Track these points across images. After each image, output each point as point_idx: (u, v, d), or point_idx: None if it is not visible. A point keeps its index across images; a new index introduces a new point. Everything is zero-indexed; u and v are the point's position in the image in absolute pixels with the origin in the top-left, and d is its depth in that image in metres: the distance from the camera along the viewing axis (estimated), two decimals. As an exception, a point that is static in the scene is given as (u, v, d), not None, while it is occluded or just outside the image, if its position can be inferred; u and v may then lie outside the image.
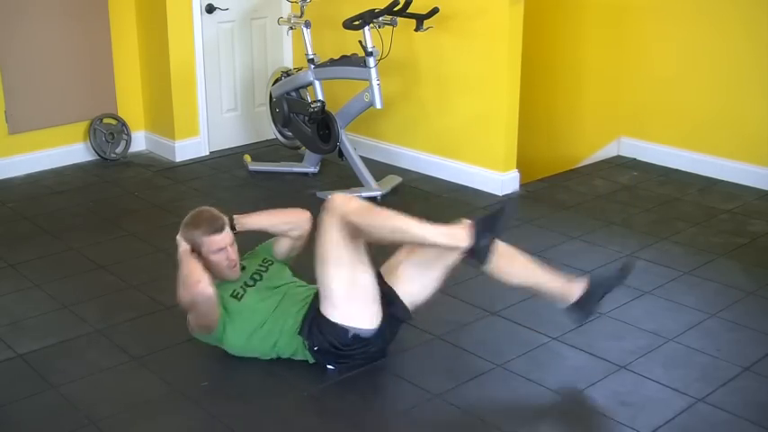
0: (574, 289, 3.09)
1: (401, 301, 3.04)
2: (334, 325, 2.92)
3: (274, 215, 3.28)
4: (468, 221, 2.92)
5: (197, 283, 2.88)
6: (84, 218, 4.61)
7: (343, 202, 2.87)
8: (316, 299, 3.02)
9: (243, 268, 3.20)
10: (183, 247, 3.03)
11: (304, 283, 3.20)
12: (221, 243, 3.04)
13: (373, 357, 3.05)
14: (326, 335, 2.94)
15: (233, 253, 3.09)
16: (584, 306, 3.10)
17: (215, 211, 3.14)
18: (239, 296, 3.08)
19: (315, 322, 2.95)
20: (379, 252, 3.09)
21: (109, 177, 5.25)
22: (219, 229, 3.05)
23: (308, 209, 3.27)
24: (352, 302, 2.92)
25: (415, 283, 3.06)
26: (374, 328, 2.96)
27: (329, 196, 3.00)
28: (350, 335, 2.93)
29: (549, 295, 3.12)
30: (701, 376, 3.03)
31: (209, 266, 3.06)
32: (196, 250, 3.05)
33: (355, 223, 2.84)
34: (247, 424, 2.76)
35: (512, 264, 3.08)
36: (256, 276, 3.16)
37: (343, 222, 2.84)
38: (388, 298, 3.02)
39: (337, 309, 2.92)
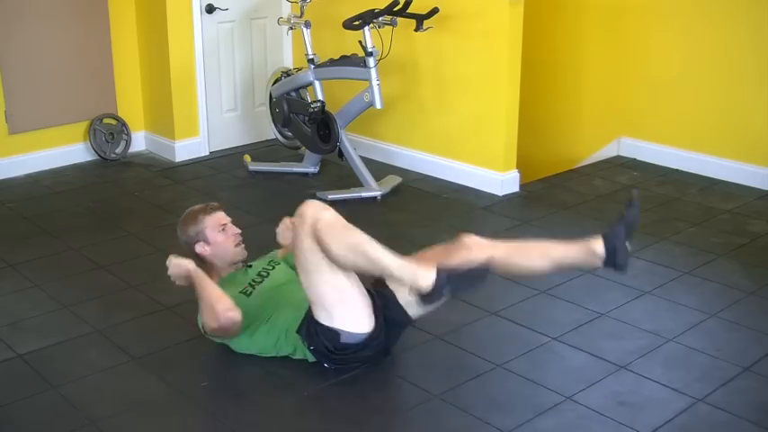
0: (596, 248, 3.01)
1: (400, 306, 3.01)
2: (326, 328, 2.92)
3: None
4: (437, 270, 2.77)
5: (226, 312, 2.91)
6: (84, 218, 4.61)
7: (315, 211, 2.83)
8: None
9: (250, 266, 3.27)
10: (191, 266, 3.05)
11: None
12: (224, 218, 3.21)
13: (370, 360, 3.03)
14: (320, 337, 2.94)
15: (235, 228, 3.22)
16: (615, 256, 2.99)
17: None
18: (248, 293, 3.12)
19: (312, 323, 2.96)
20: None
21: (109, 177, 5.25)
22: (216, 208, 3.23)
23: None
24: (339, 306, 2.90)
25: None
26: (365, 332, 2.94)
27: (305, 202, 2.92)
28: (341, 339, 2.92)
29: (577, 266, 3.11)
30: (701, 376, 3.03)
31: (216, 254, 3.17)
32: (201, 243, 3.16)
33: (321, 235, 2.78)
34: (247, 424, 2.76)
35: (524, 256, 3.06)
36: (264, 273, 3.21)
37: (314, 230, 2.81)
38: (387, 302, 3.01)
39: (326, 312, 2.90)
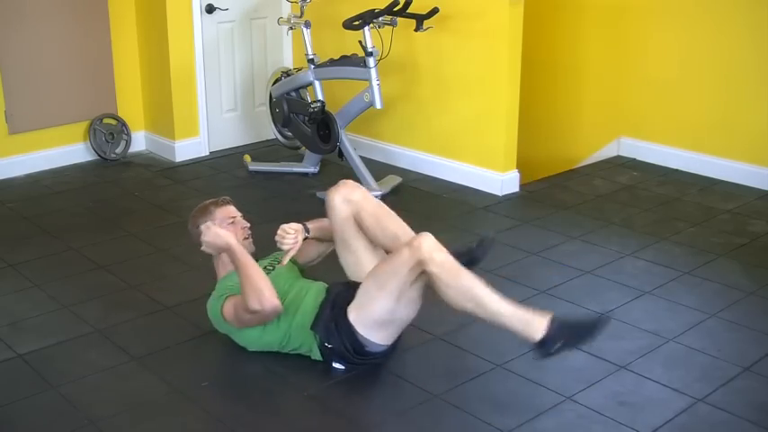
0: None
1: None
2: (357, 336, 2.95)
3: (327, 223, 3.28)
4: (549, 317, 2.73)
5: (273, 298, 2.92)
6: (84, 218, 4.61)
7: (430, 249, 2.80)
8: (328, 297, 3.05)
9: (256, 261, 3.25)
10: (233, 240, 3.04)
11: (311, 280, 3.24)
12: (233, 212, 3.24)
13: (380, 363, 3.08)
14: (344, 339, 2.96)
15: (244, 222, 3.25)
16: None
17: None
18: None
19: (336, 322, 2.97)
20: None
21: (109, 177, 5.25)
22: (228, 202, 3.26)
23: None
24: (382, 327, 2.96)
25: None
26: (387, 345, 3.02)
27: (422, 233, 2.86)
28: (365, 347, 2.98)
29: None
30: (701, 376, 3.03)
31: None
32: None
33: (433, 276, 2.79)
34: (247, 424, 2.76)
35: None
36: (269, 268, 3.22)
37: (421, 267, 2.81)
38: None
39: (366, 326, 2.94)
